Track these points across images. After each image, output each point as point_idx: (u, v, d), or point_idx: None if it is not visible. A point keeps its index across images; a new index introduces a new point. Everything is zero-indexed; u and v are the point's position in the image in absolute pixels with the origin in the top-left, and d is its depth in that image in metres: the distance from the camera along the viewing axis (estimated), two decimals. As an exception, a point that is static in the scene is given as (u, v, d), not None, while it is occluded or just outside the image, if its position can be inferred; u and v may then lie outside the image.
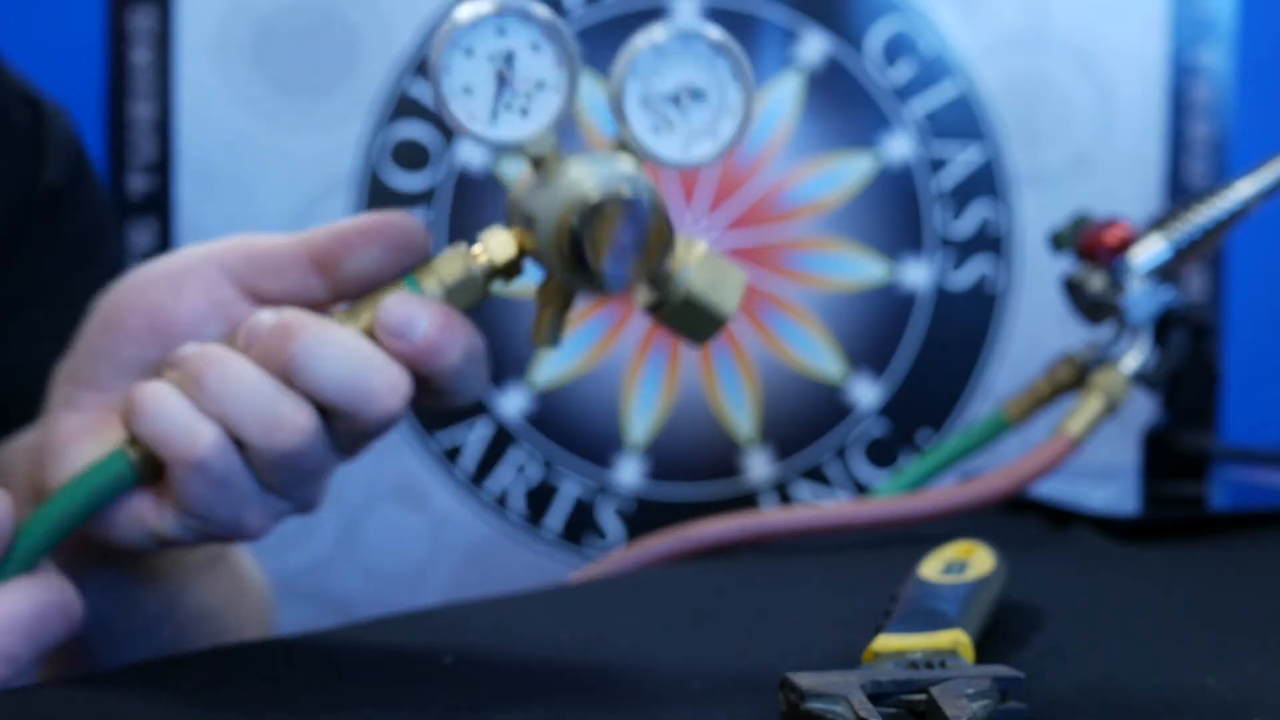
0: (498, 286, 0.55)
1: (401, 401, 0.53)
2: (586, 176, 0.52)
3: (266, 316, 0.53)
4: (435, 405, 0.56)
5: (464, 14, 0.52)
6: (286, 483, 0.54)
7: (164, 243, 1.11)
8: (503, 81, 0.53)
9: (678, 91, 0.54)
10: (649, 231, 0.52)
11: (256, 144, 1.11)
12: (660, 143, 0.54)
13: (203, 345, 0.53)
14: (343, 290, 0.55)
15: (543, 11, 0.53)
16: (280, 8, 1.12)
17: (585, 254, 0.51)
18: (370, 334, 0.54)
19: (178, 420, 0.52)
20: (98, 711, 0.50)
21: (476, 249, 0.55)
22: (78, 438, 0.55)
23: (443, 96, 0.53)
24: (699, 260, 0.55)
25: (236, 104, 1.11)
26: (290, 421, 0.52)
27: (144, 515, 0.54)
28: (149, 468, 0.53)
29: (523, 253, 0.55)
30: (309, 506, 0.57)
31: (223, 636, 0.67)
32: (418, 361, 0.53)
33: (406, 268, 0.55)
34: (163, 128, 1.10)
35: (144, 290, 0.56)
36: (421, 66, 1.13)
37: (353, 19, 1.12)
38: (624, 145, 0.54)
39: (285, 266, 0.55)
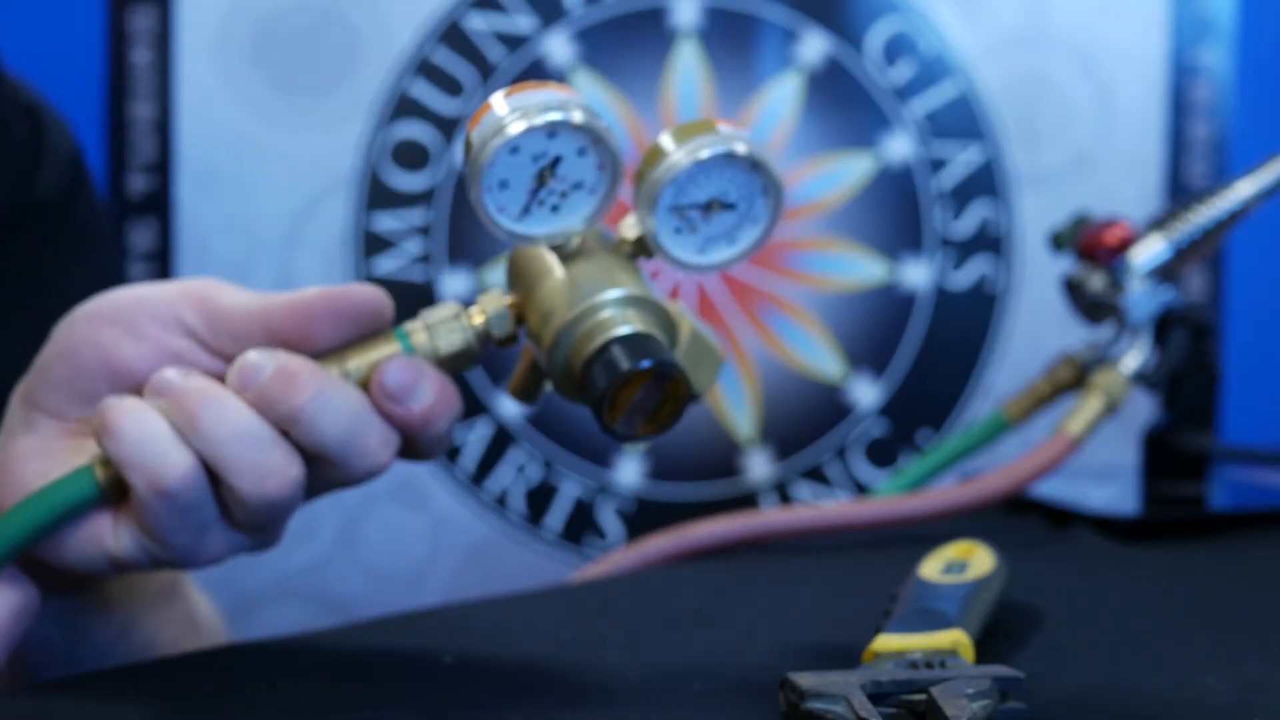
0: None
1: (390, 458, 0.54)
2: (618, 327, 0.52)
3: (264, 361, 0.53)
4: (403, 458, 0.56)
5: (515, 125, 0.51)
6: (253, 523, 0.54)
7: (164, 243, 1.11)
8: (543, 182, 0.53)
9: (709, 202, 0.54)
10: (665, 398, 0.52)
11: (256, 144, 1.11)
12: (678, 245, 0.54)
13: (195, 378, 0.53)
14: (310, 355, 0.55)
15: (595, 121, 0.52)
16: (280, 8, 1.12)
17: (598, 407, 0.51)
18: (364, 387, 0.54)
19: (155, 446, 0.52)
20: (97, 712, 0.50)
21: (475, 314, 0.55)
22: (30, 458, 0.55)
23: (479, 189, 0.52)
24: (687, 341, 0.56)
25: (236, 104, 1.11)
26: (281, 472, 0.52)
27: (100, 535, 0.54)
28: (115, 488, 0.52)
29: (520, 325, 0.55)
30: (269, 544, 0.57)
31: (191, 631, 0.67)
32: (410, 427, 0.54)
33: (368, 336, 0.55)
34: (163, 128, 1.10)
35: (101, 327, 0.55)
36: (422, 67, 1.13)
37: (353, 19, 1.12)
38: (641, 241, 0.54)
39: (242, 335, 0.54)
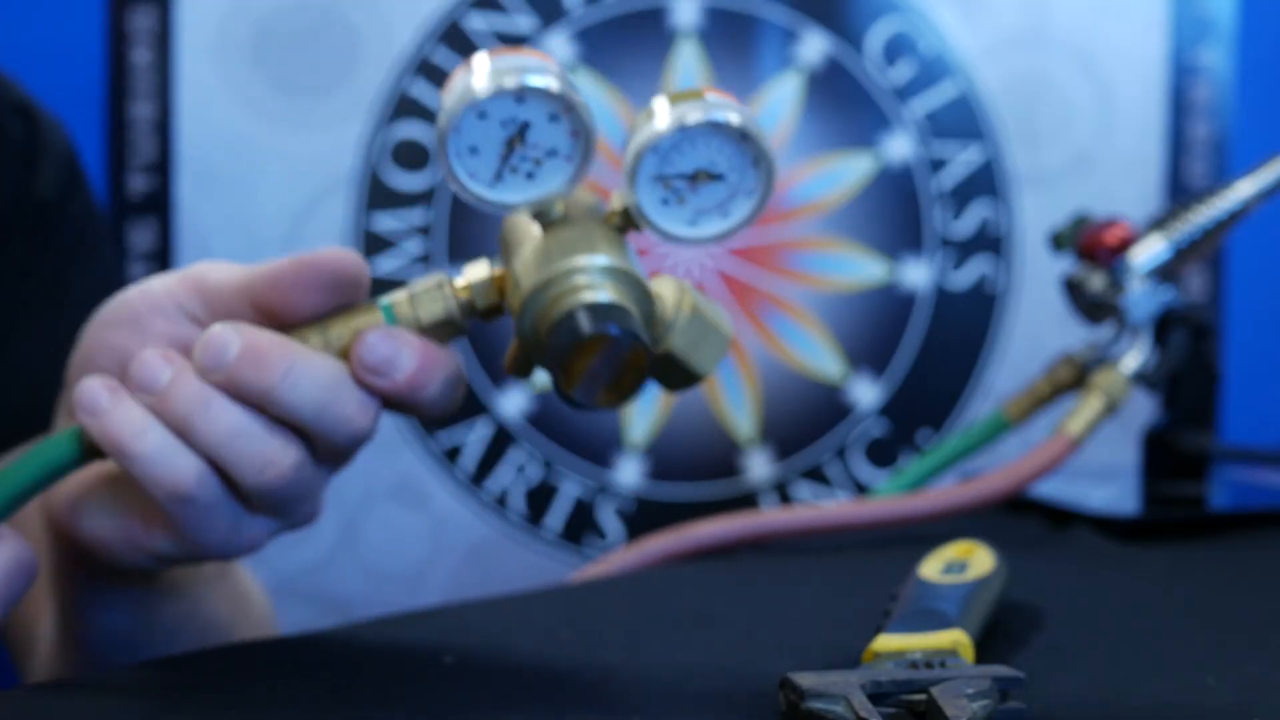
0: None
1: (372, 422, 0.54)
2: (580, 294, 0.51)
3: (230, 337, 0.52)
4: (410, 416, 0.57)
5: (482, 87, 0.51)
6: (277, 507, 0.55)
7: (164, 243, 1.11)
8: (512, 148, 0.52)
9: (695, 172, 0.53)
10: (625, 367, 0.51)
11: (256, 144, 1.11)
12: (666, 216, 0.53)
13: (180, 377, 0.53)
14: (293, 324, 0.55)
15: (565, 87, 0.51)
16: (280, 8, 1.12)
17: (554, 372, 0.51)
18: (345, 357, 0.54)
19: (164, 458, 0.52)
20: (98, 712, 0.50)
21: (459, 283, 0.55)
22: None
23: (447, 154, 0.52)
24: (686, 318, 0.54)
25: (236, 104, 1.11)
26: (278, 460, 0.53)
27: (137, 538, 0.55)
28: (97, 451, 0.53)
29: (503, 299, 0.54)
30: (308, 519, 0.57)
31: (243, 620, 0.69)
32: (397, 396, 0.54)
33: (349, 303, 0.55)
34: (163, 128, 1.10)
35: (114, 330, 0.56)
36: (422, 67, 1.13)
37: (353, 19, 1.12)
38: (627, 213, 0.53)
39: (233, 310, 0.55)
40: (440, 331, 0.55)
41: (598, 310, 0.51)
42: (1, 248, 0.79)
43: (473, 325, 0.56)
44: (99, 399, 0.52)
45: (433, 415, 0.55)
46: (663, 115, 0.52)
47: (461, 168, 0.52)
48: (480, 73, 0.51)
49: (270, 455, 0.53)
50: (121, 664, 0.60)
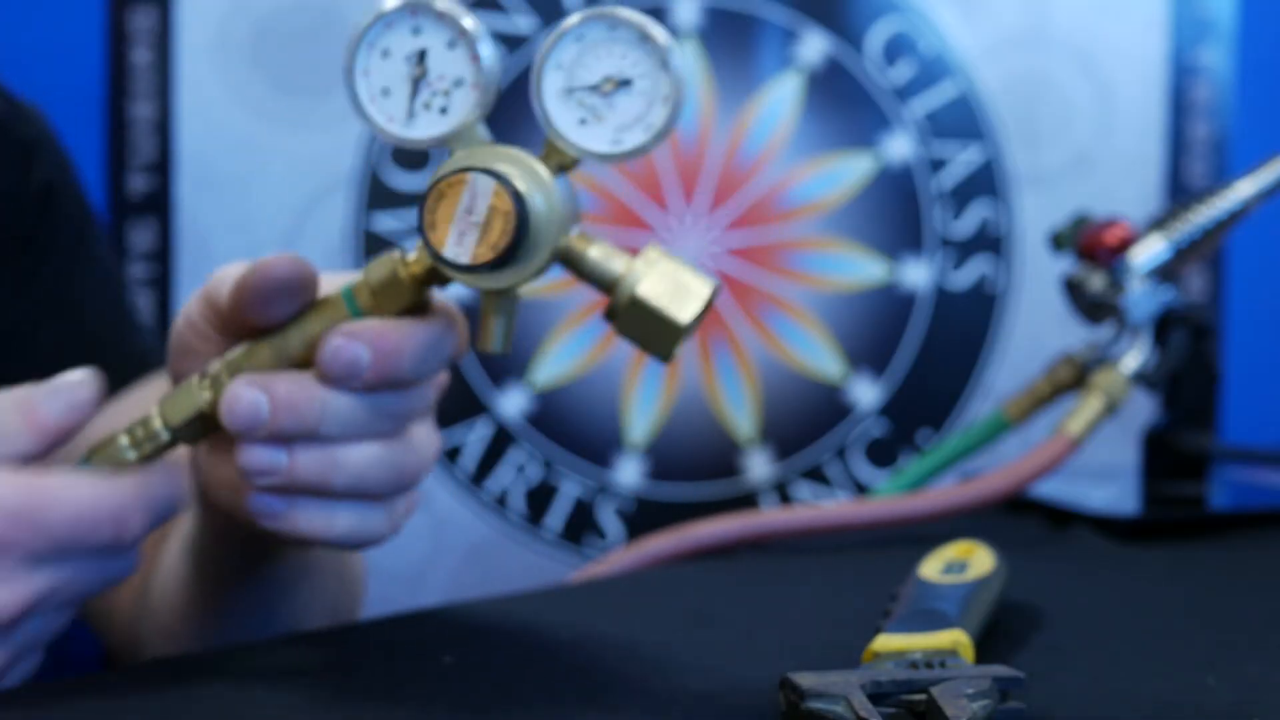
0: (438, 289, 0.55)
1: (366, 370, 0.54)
2: (452, 162, 0.52)
3: (259, 396, 0.54)
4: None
5: (375, 13, 0.53)
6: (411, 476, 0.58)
7: (164, 243, 1.11)
8: (418, 81, 0.53)
9: (602, 82, 0.53)
10: (491, 214, 0.50)
11: (256, 144, 1.11)
12: (587, 136, 0.53)
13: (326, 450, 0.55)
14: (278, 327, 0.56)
15: (453, 9, 0.53)
16: (280, 8, 1.12)
17: (425, 232, 0.51)
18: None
19: (318, 517, 0.56)
20: (99, 712, 0.50)
21: (411, 255, 0.55)
22: None
23: (359, 100, 0.53)
24: (649, 263, 0.54)
25: (236, 104, 1.11)
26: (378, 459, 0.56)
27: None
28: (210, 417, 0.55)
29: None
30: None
31: (348, 597, 0.72)
32: (375, 386, 0.54)
33: (304, 303, 0.55)
34: (163, 128, 1.10)
35: (178, 361, 0.59)
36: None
37: (353, 19, 1.12)
38: (550, 143, 0.53)
39: (231, 324, 0.57)
40: (393, 300, 0.54)
41: (457, 161, 0.51)
42: (11, 232, 0.80)
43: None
44: (273, 506, 0.55)
45: (425, 379, 0.56)
46: (563, 25, 0.53)
47: (377, 112, 0.53)
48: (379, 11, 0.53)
49: (403, 466, 0.57)
50: (248, 639, 0.63)
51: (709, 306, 0.54)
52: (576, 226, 0.55)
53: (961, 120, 1.19)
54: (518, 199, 0.51)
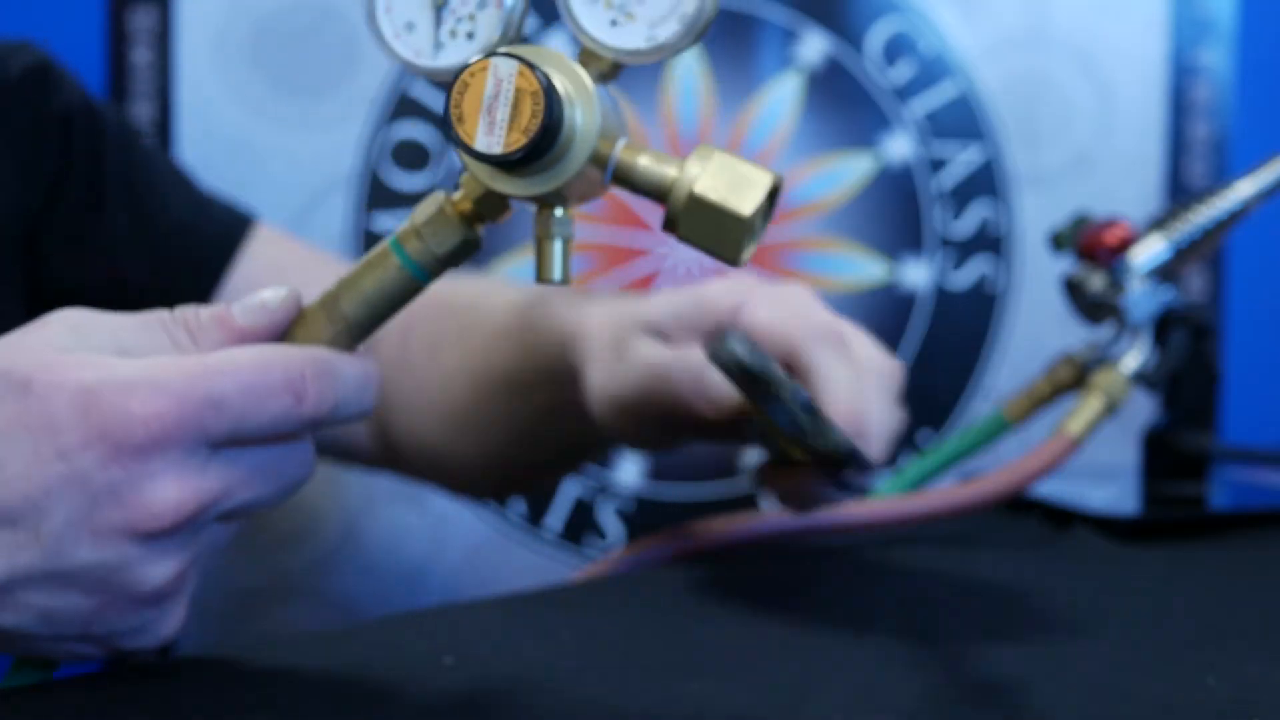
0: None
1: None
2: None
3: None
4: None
5: None
6: None
7: (164, 243, 1.11)
8: (441, 9, 0.52)
9: None
10: (519, 96, 0.49)
11: (256, 144, 1.11)
12: (621, 36, 0.51)
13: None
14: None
15: None
16: (280, 8, 1.12)
17: (454, 128, 0.49)
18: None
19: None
20: (99, 712, 0.50)
21: (457, 193, 0.54)
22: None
23: (384, 39, 0.52)
24: (702, 159, 0.52)
25: (236, 104, 1.11)
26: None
27: None
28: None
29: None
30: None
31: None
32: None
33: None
34: (163, 128, 1.10)
35: None
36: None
37: (353, 19, 1.12)
38: (586, 51, 0.52)
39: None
40: (444, 239, 0.53)
41: (484, 55, 0.50)
42: (64, 159, 0.84)
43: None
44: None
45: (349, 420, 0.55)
46: None
47: (404, 48, 0.52)
48: None
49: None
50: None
51: (774, 198, 0.52)
52: (624, 138, 0.53)
53: (961, 120, 1.19)
54: (545, 77, 0.49)
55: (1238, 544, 0.80)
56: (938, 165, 1.19)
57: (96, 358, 0.49)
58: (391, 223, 1.13)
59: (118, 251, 0.85)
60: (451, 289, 0.82)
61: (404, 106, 1.13)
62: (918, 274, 1.19)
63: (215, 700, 0.52)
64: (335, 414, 0.51)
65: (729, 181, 0.51)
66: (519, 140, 0.49)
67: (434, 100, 1.13)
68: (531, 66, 0.49)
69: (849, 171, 1.18)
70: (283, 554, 1.12)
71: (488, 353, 0.80)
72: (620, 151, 0.52)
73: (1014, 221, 1.20)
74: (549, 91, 0.49)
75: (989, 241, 1.20)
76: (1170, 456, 0.87)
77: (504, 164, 0.49)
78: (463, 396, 0.82)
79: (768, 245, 1.18)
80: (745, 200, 0.51)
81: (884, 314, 1.19)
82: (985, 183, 1.19)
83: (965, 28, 1.18)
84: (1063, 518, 0.85)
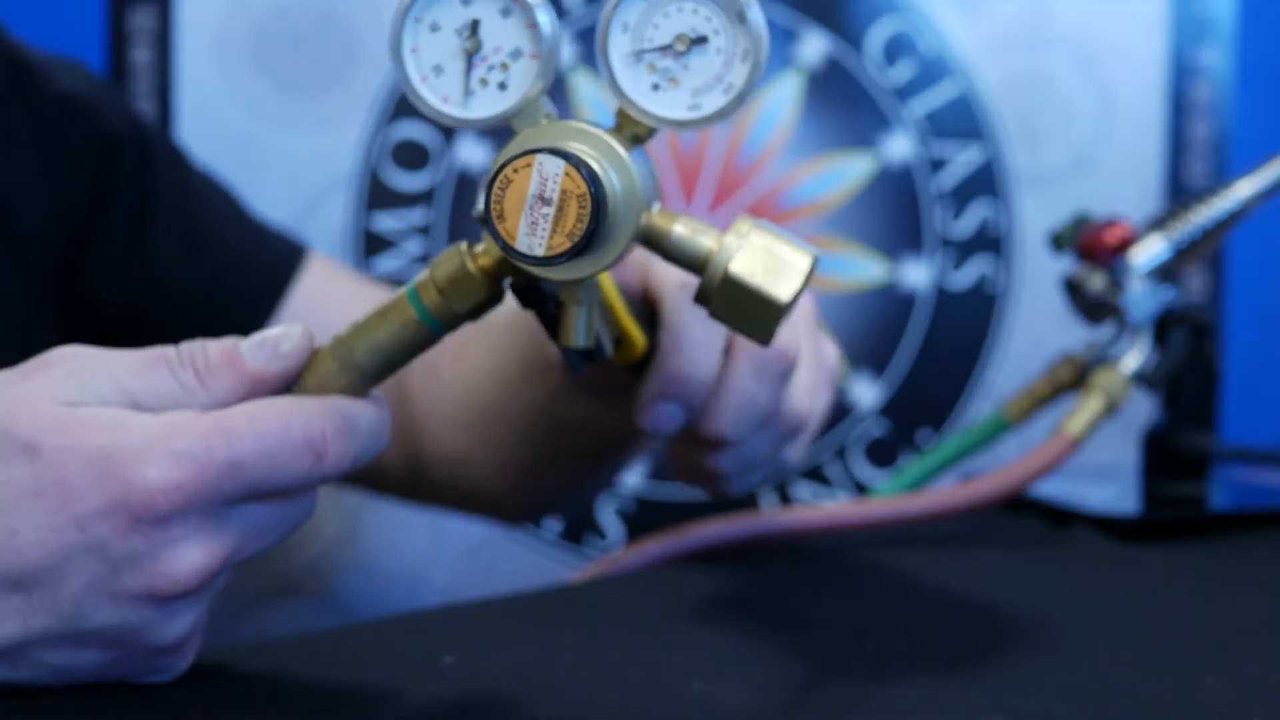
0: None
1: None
2: (516, 143, 0.48)
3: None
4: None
5: None
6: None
7: (164, 243, 1.11)
8: (472, 55, 0.49)
9: (674, 41, 0.48)
10: (565, 198, 0.46)
11: (256, 144, 1.11)
12: (663, 103, 0.49)
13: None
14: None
15: None
16: (280, 8, 1.12)
17: (495, 224, 0.47)
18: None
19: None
20: (98, 712, 0.50)
21: (479, 246, 0.52)
22: None
23: (410, 81, 0.49)
24: (740, 236, 0.50)
25: (236, 104, 1.11)
26: None
27: None
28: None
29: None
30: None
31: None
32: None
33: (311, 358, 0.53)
34: (162, 128, 1.10)
35: None
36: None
37: (353, 19, 1.12)
38: (623, 114, 0.49)
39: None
40: (465, 296, 0.51)
41: (522, 141, 0.48)
42: (116, 183, 0.83)
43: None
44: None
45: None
46: None
47: (430, 93, 0.49)
48: None
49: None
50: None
51: (809, 280, 0.50)
52: (657, 202, 0.51)
53: (961, 120, 1.19)
54: (592, 180, 0.46)
55: (1238, 544, 0.80)
56: (938, 165, 1.19)
57: (106, 415, 0.48)
58: (391, 223, 1.13)
59: (168, 275, 0.84)
60: None
61: (404, 106, 1.13)
62: (918, 274, 1.19)
63: (215, 700, 0.52)
64: (352, 466, 0.51)
65: (766, 264, 0.49)
66: (563, 245, 0.47)
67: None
68: (577, 164, 0.46)
69: (849, 171, 1.18)
70: (282, 554, 1.12)
71: (502, 345, 0.79)
72: (655, 219, 0.50)
73: (1014, 221, 1.20)
74: (597, 198, 0.46)
75: (989, 241, 1.20)
76: (1170, 456, 0.87)
77: (542, 264, 0.47)
78: (485, 395, 0.81)
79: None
80: (783, 285, 0.49)
81: (884, 314, 1.19)
82: (985, 183, 1.19)
83: (965, 28, 1.18)
84: (1063, 518, 0.85)
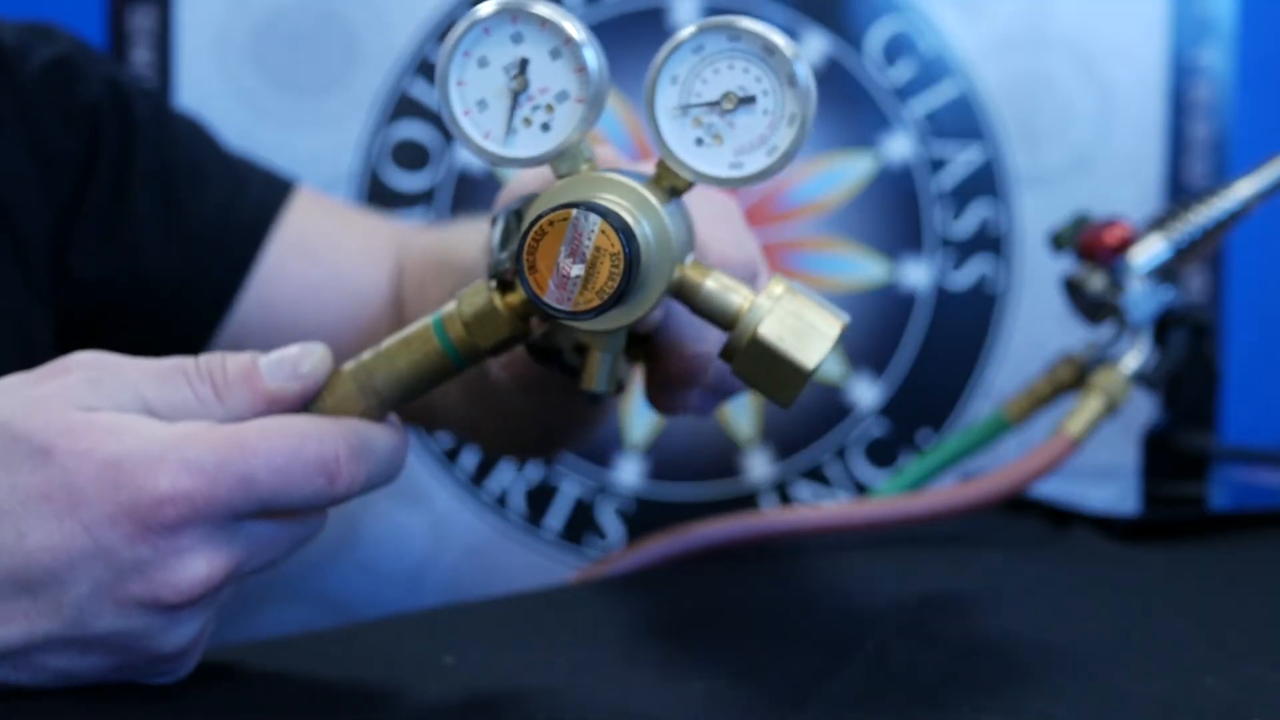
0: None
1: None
2: (552, 194, 0.48)
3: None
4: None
5: (471, 17, 0.48)
6: None
7: (164, 243, 1.11)
8: (518, 94, 0.49)
9: (722, 99, 0.48)
10: (597, 256, 0.46)
11: (256, 143, 1.11)
12: (704, 158, 0.48)
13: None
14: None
15: (557, 15, 0.48)
16: (280, 8, 1.12)
17: (525, 275, 0.47)
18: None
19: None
20: (99, 712, 0.50)
21: (511, 298, 0.51)
22: None
23: (453, 113, 0.49)
24: (773, 300, 0.49)
25: (236, 104, 1.11)
26: None
27: None
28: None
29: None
30: None
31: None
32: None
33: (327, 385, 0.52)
34: (140, 80, 1.10)
35: None
36: (422, 67, 1.13)
37: (353, 19, 1.12)
38: (663, 164, 0.49)
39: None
40: (490, 332, 0.51)
41: (559, 192, 0.47)
42: (96, 152, 0.81)
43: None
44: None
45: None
46: (678, 36, 0.48)
47: (472, 126, 0.49)
48: (475, 12, 0.49)
49: None
50: None
51: (836, 347, 0.50)
52: (691, 253, 0.51)
53: (961, 120, 1.19)
54: (627, 239, 0.46)
55: (1238, 544, 0.80)
56: (938, 165, 1.19)
57: (120, 421, 0.48)
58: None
59: (143, 246, 0.82)
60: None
61: (404, 106, 1.13)
62: (918, 274, 1.19)
63: (215, 700, 0.52)
64: (364, 491, 0.51)
65: (796, 328, 0.49)
66: (592, 302, 0.46)
67: (434, 100, 1.13)
68: (614, 222, 0.46)
69: (849, 171, 1.18)
70: (283, 554, 1.12)
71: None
72: (688, 272, 0.50)
73: (1014, 221, 1.20)
74: (630, 257, 0.46)
75: (989, 241, 1.20)
76: (1170, 456, 0.87)
77: (571, 317, 0.47)
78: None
79: (767, 245, 1.18)
80: (810, 352, 0.49)
81: (884, 314, 1.19)
82: (985, 183, 1.19)
83: (965, 28, 1.18)
84: (1063, 518, 0.85)
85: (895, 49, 1.18)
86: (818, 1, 1.17)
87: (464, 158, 1.15)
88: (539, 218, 0.46)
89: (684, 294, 0.50)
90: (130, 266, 0.82)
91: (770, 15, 1.16)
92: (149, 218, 0.83)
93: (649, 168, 0.51)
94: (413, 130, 1.14)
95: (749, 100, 0.48)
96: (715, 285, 0.50)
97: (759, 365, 0.49)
